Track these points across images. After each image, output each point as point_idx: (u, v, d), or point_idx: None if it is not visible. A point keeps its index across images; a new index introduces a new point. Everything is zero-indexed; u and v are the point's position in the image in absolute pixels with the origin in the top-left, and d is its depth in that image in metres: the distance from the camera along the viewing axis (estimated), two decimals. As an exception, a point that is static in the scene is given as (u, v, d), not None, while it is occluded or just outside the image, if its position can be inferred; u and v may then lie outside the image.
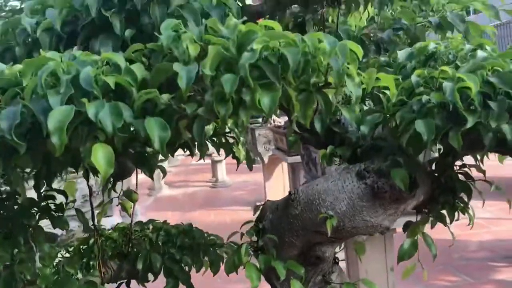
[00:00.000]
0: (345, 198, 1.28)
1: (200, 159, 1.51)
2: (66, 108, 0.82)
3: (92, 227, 1.46)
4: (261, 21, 1.04)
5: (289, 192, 1.37)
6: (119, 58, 0.92)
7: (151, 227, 1.68)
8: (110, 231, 1.61)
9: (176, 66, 0.87)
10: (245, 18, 1.01)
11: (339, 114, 1.43)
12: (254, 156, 9.05)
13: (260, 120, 7.84)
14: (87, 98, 0.85)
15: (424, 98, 1.16)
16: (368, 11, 1.91)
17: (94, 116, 0.81)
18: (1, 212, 1.21)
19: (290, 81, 0.89)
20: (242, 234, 1.42)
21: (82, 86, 0.85)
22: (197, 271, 1.53)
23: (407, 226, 1.44)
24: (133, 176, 1.50)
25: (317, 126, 1.37)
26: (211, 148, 1.58)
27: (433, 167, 1.42)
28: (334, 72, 0.90)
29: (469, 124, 1.08)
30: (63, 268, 1.27)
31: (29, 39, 1.16)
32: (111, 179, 1.47)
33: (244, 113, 0.85)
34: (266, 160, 6.73)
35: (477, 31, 1.76)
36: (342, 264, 1.72)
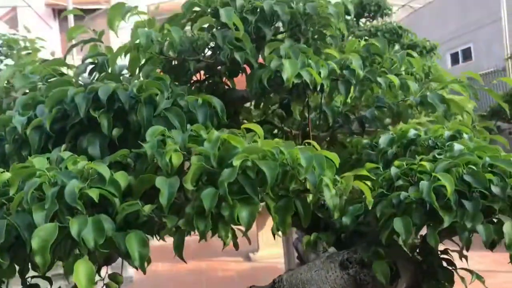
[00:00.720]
0: (328, 289, 1.29)
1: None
2: (50, 225, 0.84)
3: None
4: (242, 125, 1.08)
5: (273, 281, 1.37)
6: (104, 169, 0.95)
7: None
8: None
9: (159, 181, 0.90)
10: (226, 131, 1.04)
11: (323, 200, 1.46)
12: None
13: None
14: (70, 212, 0.87)
15: (403, 194, 1.19)
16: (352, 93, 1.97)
17: (77, 234, 0.84)
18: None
19: (268, 193, 0.92)
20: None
21: (67, 201, 0.88)
22: None
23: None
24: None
25: (302, 217, 1.40)
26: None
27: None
28: (311, 185, 0.93)
29: (445, 224, 1.11)
30: None
31: (19, 137, 1.19)
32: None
33: (223, 228, 0.88)
34: (259, 208, 6.70)
35: (458, 108, 1.81)
36: None
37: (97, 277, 1.49)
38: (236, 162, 0.89)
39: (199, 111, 1.19)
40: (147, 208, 0.92)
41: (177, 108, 1.14)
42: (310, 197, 1.03)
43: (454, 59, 11.26)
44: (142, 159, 1.03)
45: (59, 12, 11.25)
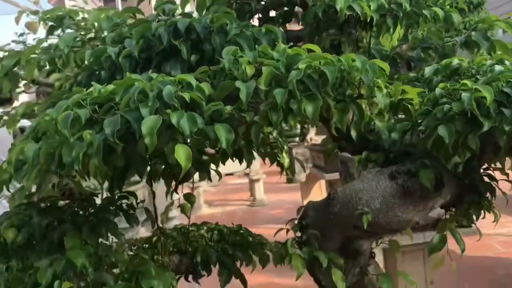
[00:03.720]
0: (379, 196, 1.46)
1: (248, 167, 1.72)
2: (154, 117, 1.05)
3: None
4: (303, 45, 1.25)
5: (329, 193, 1.55)
6: (191, 79, 1.15)
7: (205, 228, 1.90)
8: (170, 231, 1.84)
9: (238, 83, 1.09)
10: (291, 43, 1.22)
11: (373, 124, 1.62)
12: (291, 175, 9.20)
13: (297, 139, 8.02)
14: (169, 109, 1.08)
15: (446, 107, 1.33)
16: (399, 33, 2.09)
17: (176, 122, 1.04)
18: (89, 209, 1.46)
19: (329, 93, 1.09)
20: (287, 230, 1.61)
21: (165, 100, 1.08)
22: (247, 265, 1.72)
23: (436, 224, 1.59)
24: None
25: (353, 134, 1.57)
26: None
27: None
28: (365, 85, 1.10)
29: (485, 128, 1.25)
30: (137, 255, 1.50)
31: (112, 64, 1.42)
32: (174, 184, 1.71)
33: (292, 119, 1.06)
34: (303, 178, 6.88)
35: (503, 48, 1.90)
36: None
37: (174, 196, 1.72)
38: (302, 65, 1.07)
39: (263, 38, 1.37)
40: (229, 107, 1.12)
41: (245, 34, 1.32)
42: (364, 103, 1.20)
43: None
44: (219, 74, 1.23)
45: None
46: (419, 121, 1.42)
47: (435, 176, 1.41)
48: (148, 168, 1.63)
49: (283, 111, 1.06)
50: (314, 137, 7.78)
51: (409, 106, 1.43)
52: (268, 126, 1.15)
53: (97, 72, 1.48)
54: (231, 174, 12.30)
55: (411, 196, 1.44)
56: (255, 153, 1.84)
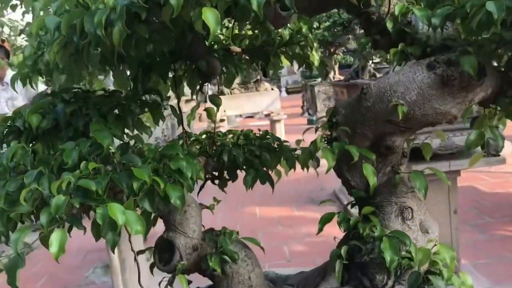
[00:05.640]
0: (416, 88, 1.38)
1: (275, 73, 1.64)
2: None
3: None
4: None
5: (362, 87, 1.48)
6: None
7: (231, 135, 1.86)
8: (195, 134, 1.80)
9: None
10: None
11: (410, 16, 1.51)
12: (312, 113, 9.13)
13: (319, 79, 7.88)
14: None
15: (495, -15, 1.22)
16: None
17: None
18: (113, 101, 1.42)
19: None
20: (316, 128, 1.56)
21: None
22: (274, 167, 1.68)
23: (474, 120, 1.51)
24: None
25: (389, 26, 1.47)
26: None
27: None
28: None
29: (538, 3, 1.14)
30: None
31: None
32: (199, 82, 1.66)
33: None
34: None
35: None
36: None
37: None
38: None
39: None
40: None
41: None
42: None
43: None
44: None
45: None
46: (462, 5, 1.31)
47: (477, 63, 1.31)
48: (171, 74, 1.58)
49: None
50: (337, 75, 7.62)
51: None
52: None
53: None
54: (251, 116, 12.31)
55: (450, 86, 1.36)
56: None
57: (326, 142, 1.53)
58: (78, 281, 4.41)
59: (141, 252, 1.59)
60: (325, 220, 1.58)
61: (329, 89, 6.41)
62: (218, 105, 1.72)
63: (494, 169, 6.07)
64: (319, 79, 7.11)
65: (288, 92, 18.48)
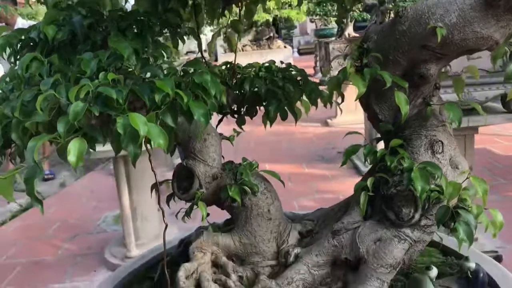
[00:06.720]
0: (456, 10, 1.28)
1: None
2: None
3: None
4: None
5: (397, 11, 1.38)
6: None
7: (252, 68, 1.77)
8: (215, 66, 1.72)
9: None
10: None
11: None
12: (325, 72, 8.98)
13: (333, 38, 7.69)
14: None
15: None
16: None
17: None
18: (131, 17, 1.33)
19: None
20: (345, 55, 1.47)
21: None
22: (297, 100, 1.60)
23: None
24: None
25: None
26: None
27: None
28: None
29: None
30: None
31: None
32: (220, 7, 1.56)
33: None
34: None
35: None
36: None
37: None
38: None
39: None
40: None
41: None
42: None
43: None
44: None
45: None
46: None
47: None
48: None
49: None
50: (352, 33, 7.44)
51: None
52: None
53: None
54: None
55: (495, 7, 1.26)
56: None
57: (356, 69, 1.44)
58: (89, 229, 4.44)
59: (160, 183, 1.54)
60: (350, 152, 1.52)
61: (343, 46, 6.25)
62: (239, 31, 1.64)
63: (509, 132, 5.96)
64: (332, 38, 6.94)
65: (300, 53, 18.14)
